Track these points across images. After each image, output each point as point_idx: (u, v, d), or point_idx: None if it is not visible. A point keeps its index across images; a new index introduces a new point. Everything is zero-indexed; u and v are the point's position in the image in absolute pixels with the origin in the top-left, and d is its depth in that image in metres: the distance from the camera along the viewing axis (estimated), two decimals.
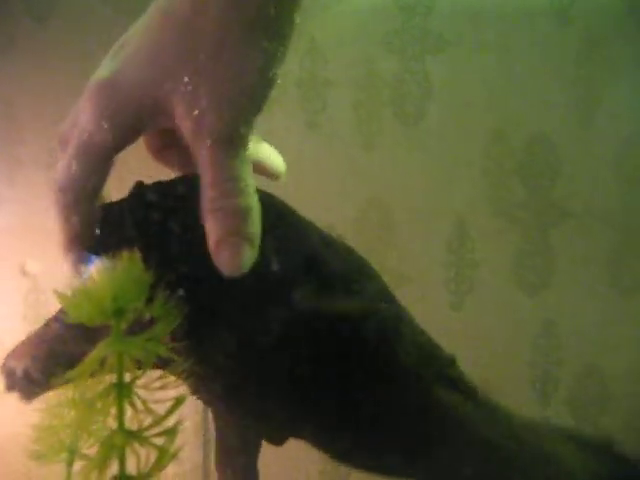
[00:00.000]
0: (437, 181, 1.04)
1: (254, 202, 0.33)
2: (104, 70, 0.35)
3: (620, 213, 1.03)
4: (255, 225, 0.33)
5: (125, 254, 0.32)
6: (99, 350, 0.31)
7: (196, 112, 0.33)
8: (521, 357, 1.05)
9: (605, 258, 1.03)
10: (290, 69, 1.02)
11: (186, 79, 0.33)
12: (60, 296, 0.33)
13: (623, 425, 1.04)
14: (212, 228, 0.33)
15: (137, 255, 0.32)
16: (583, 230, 1.03)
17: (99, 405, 0.31)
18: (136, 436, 0.31)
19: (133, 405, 0.32)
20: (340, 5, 1.02)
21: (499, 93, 1.03)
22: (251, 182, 0.34)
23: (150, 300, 0.32)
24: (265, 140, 0.42)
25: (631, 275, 1.04)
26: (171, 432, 0.31)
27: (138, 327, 0.33)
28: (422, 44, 1.02)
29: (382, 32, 1.02)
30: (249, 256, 0.33)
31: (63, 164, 0.36)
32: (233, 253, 0.33)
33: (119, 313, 0.32)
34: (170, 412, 0.32)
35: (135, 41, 0.35)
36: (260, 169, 0.42)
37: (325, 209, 1.05)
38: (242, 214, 0.33)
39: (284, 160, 0.43)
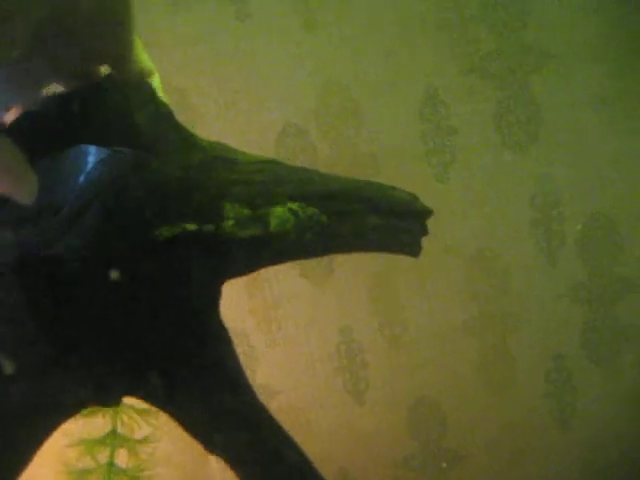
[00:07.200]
0: (394, 46, 0.92)
1: None
2: None
3: (602, 46, 0.92)
4: None
5: None
6: None
7: None
8: (521, 218, 0.98)
9: (593, 96, 0.93)
10: None
11: None
12: None
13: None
14: None
15: None
16: (565, 70, 0.92)
17: None
18: None
19: None
20: None
21: None
22: None
23: None
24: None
25: (626, 111, 0.94)
26: None
27: None
28: None
29: None
30: None
31: None
32: None
33: None
34: None
35: None
36: None
37: (280, 104, 0.94)
38: None
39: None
